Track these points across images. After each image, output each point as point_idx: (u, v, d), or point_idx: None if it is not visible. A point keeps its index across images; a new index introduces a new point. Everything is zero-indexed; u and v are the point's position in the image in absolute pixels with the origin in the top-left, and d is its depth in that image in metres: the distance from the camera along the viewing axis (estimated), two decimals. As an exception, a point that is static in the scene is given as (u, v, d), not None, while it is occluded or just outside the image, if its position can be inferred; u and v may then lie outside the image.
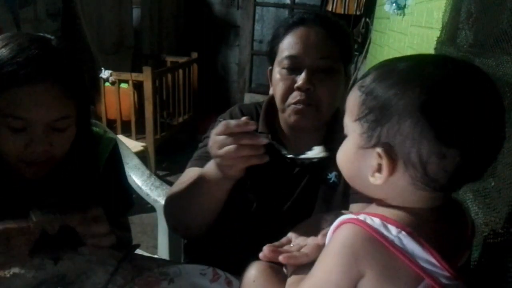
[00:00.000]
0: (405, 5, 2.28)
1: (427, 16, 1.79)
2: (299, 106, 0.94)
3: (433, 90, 0.49)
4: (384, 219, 0.53)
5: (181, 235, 1.20)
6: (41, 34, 0.84)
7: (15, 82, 0.74)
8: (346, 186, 0.98)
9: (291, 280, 0.67)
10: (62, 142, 0.83)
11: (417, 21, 1.98)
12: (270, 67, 1.03)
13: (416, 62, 0.53)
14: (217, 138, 0.80)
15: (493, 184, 0.77)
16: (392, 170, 0.52)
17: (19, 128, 0.77)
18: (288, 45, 0.95)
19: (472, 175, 0.54)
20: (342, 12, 3.72)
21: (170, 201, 1.00)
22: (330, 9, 3.75)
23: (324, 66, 0.93)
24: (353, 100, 0.56)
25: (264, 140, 0.80)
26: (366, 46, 3.62)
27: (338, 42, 0.96)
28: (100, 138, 1.00)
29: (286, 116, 0.97)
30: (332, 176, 1.00)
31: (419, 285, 0.52)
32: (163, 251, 1.49)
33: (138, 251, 1.05)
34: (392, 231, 0.52)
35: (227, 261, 0.89)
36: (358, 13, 3.70)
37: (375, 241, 0.51)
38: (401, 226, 0.52)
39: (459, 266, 0.56)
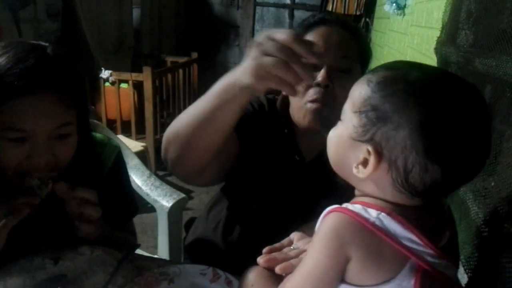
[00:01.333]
0: (405, 5, 2.28)
1: (427, 16, 1.79)
2: (317, 105, 0.93)
3: (432, 110, 0.52)
4: (364, 204, 0.57)
5: (174, 167, 1.00)
6: (35, 42, 0.83)
7: (13, 94, 0.73)
8: (350, 187, 0.98)
9: (287, 276, 0.68)
10: (65, 150, 0.82)
11: (417, 21, 1.99)
12: None
13: (424, 77, 0.55)
14: (273, 42, 0.71)
15: (493, 184, 0.77)
16: (376, 168, 0.55)
17: (19, 139, 0.76)
18: None
19: (447, 189, 0.58)
20: (342, 12, 3.72)
21: (177, 122, 0.90)
22: (330, 9, 3.75)
23: (344, 65, 0.94)
24: (359, 92, 0.58)
25: (310, 81, 0.80)
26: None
27: (358, 44, 0.97)
28: (104, 146, 0.99)
29: (302, 116, 0.96)
30: (340, 179, 0.99)
31: (405, 265, 0.54)
32: (163, 251, 1.49)
33: (138, 251, 1.05)
34: (372, 213, 0.55)
35: (228, 261, 0.89)
36: (358, 13, 3.71)
37: (357, 223, 0.54)
38: (380, 208, 0.55)
39: (442, 246, 0.57)
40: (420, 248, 0.54)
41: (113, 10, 3.70)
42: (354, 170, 0.58)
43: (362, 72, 1.00)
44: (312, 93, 0.93)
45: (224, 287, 0.84)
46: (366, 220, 0.54)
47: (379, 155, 0.54)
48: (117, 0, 3.73)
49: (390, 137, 0.53)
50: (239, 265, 0.80)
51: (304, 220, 0.97)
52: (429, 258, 0.54)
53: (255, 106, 1.05)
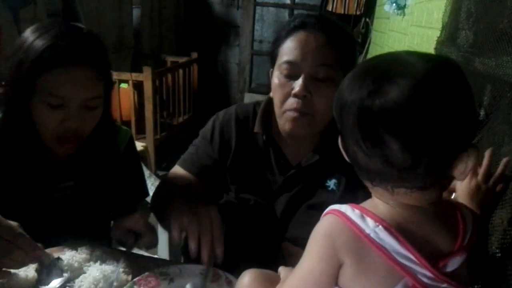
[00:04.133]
0: (405, 5, 2.28)
1: (427, 16, 1.79)
2: (295, 114, 0.92)
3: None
4: (364, 211, 0.55)
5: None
6: (73, 23, 0.93)
7: (56, 64, 0.83)
8: (345, 194, 0.99)
9: (283, 273, 0.69)
10: (92, 119, 0.92)
11: (417, 21, 1.98)
12: (272, 69, 1.01)
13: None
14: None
15: (493, 184, 0.77)
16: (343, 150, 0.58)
17: (56, 105, 0.85)
18: (287, 50, 0.93)
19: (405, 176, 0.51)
20: (342, 12, 3.71)
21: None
22: (330, 9, 3.74)
23: (322, 73, 0.90)
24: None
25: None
26: (366, 46, 3.62)
27: (339, 49, 0.92)
28: (118, 130, 1.09)
29: (282, 123, 0.97)
30: (331, 183, 1.00)
31: (399, 282, 0.52)
32: (163, 251, 1.49)
33: (138, 251, 1.05)
34: (369, 224, 0.53)
35: (227, 261, 0.90)
36: (358, 13, 3.70)
37: (351, 232, 0.53)
38: (378, 220, 0.53)
39: (451, 271, 0.55)
40: (416, 268, 0.52)
41: (113, 10, 3.69)
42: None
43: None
44: (290, 102, 0.93)
45: (224, 287, 0.84)
46: (361, 230, 0.52)
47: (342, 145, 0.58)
48: (117, 0, 3.73)
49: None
50: (238, 265, 0.81)
51: (294, 222, 0.98)
52: (425, 280, 0.52)
53: (240, 118, 1.07)
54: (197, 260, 0.85)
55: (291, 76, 0.92)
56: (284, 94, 0.93)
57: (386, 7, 2.45)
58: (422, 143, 0.47)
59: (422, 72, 0.48)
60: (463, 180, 0.53)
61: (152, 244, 1.04)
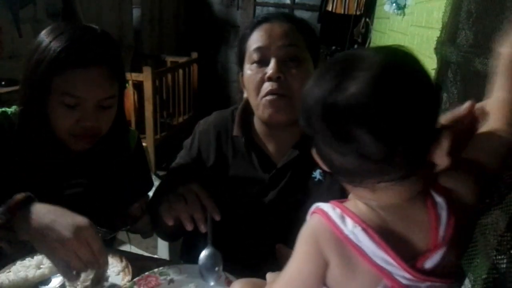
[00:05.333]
0: (405, 5, 2.28)
1: (427, 16, 1.79)
2: (273, 97, 0.93)
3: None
4: (344, 210, 0.55)
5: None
6: (87, 24, 0.94)
7: (72, 65, 0.84)
8: (333, 181, 0.98)
9: (270, 279, 0.69)
10: (107, 119, 0.94)
11: (417, 21, 1.98)
12: (241, 72, 1.02)
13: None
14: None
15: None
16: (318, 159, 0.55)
17: (72, 105, 0.87)
18: (254, 40, 0.96)
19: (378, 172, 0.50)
20: (342, 12, 3.71)
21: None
22: (330, 9, 3.74)
23: (292, 54, 0.93)
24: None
25: None
26: (366, 46, 3.62)
27: (303, 33, 0.97)
28: (128, 131, 1.12)
29: (261, 112, 0.96)
30: (316, 174, 1.00)
31: (379, 284, 0.52)
32: (163, 251, 1.49)
33: (138, 251, 1.06)
34: (348, 225, 0.53)
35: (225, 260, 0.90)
36: (358, 13, 3.69)
37: (332, 233, 0.53)
38: (358, 220, 0.53)
39: (433, 267, 0.53)
40: (394, 270, 0.51)
41: (113, 10, 3.70)
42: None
43: (315, 61, 0.99)
44: (265, 87, 0.93)
45: (224, 287, 0.84)
46: (341, 231, 0.53)
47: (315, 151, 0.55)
48: (117, 0, 3.73)
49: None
50: (238, 265, 0.81)
51: (285, 218, 0.98)
52: (403, 281, 0.52)
53: (217, 128, 1.08)
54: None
55: (262, 61, 0.94)
56: (258, 80, 0.94)
57: (386, 7, 2.45)
58: (392, 130, 0.47)
59: (377, 62, 0.49)
60: (444, 164, 0.51)
61: (147, 230, 1.09)
